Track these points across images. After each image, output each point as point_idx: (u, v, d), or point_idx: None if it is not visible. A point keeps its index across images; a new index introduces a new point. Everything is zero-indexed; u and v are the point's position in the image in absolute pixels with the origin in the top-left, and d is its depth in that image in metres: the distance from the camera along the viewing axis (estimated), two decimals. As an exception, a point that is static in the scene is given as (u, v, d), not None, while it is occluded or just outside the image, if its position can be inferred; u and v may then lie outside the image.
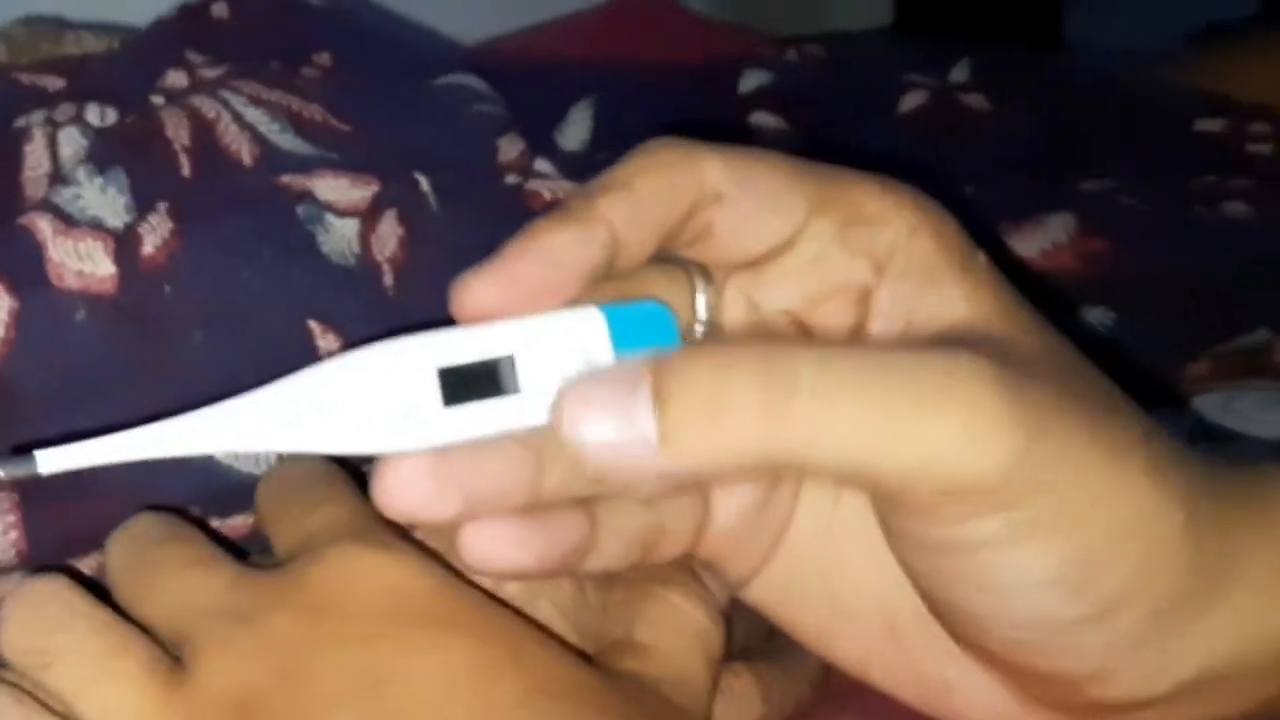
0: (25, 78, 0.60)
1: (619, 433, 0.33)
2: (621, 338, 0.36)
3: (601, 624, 0.39)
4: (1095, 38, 1.20)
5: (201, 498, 0.48)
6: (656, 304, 0.37)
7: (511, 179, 0.54)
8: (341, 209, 0.49)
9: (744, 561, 0.40)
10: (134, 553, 0.39)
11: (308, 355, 0.48)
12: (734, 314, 0.39)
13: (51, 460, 0.33)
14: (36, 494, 0.46)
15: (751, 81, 0.72)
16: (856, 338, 0.38)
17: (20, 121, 0.55)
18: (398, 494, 0.35)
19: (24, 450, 0.33)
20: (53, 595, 0.37)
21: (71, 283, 0.46)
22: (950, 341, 0.35)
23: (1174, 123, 0.73)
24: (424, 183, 0.51)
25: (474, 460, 0.35)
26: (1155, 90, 0.79)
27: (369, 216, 0.50)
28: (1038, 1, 1.26)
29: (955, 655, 0.39)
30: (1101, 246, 0.60)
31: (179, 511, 0.42)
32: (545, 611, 0.38)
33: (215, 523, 0.48)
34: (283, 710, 0.34)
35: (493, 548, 0.36)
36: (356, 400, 0.34)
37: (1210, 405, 0.56)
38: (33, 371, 0.46)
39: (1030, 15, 1.24)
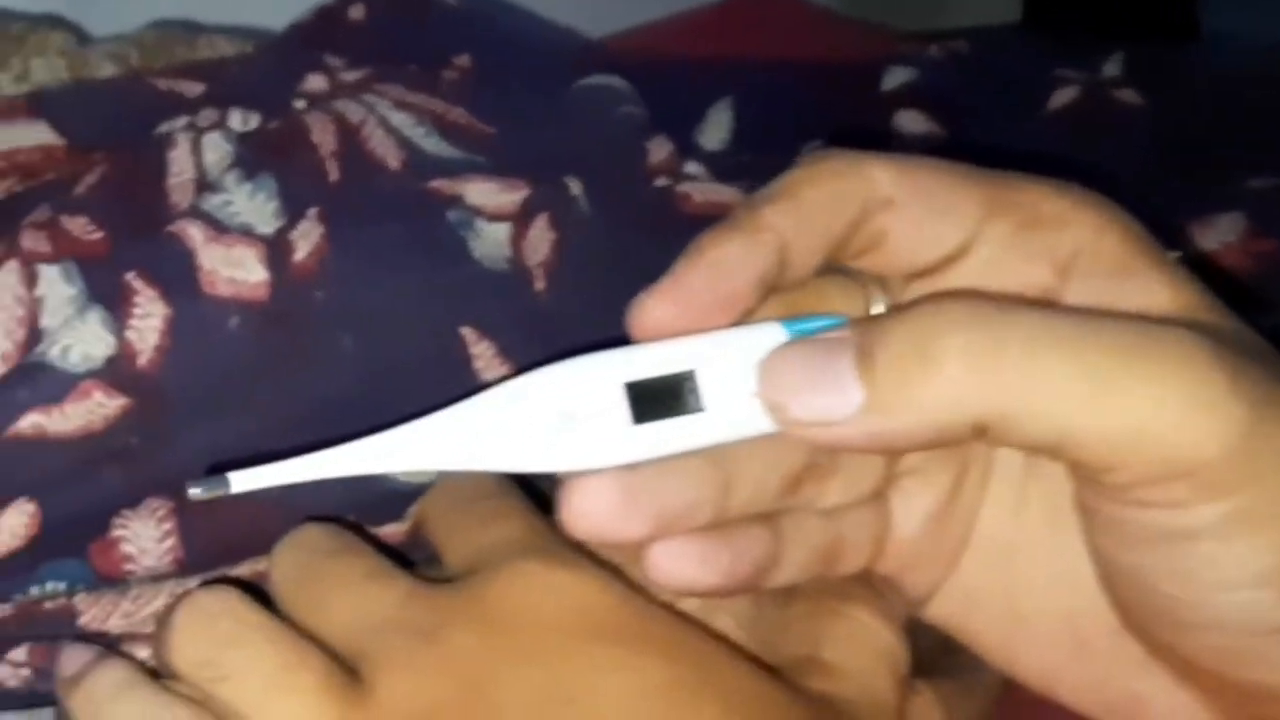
0: (162, 83, 0.61)
1: (823, 392, 0.33)
2: None
3: (781, 640, 0.39)
4: (1230, 28, 1.18)
5: (355, 507, 0.48)
6: (836, 317, 0.36)
7: (661, 181, 0.54)
8: (492, 213, 0.50)
9: (925, 574, 0.40)
10: (304, 564, 0.39)
11: (460, 362, 0.48)
12: None
13: (244, 480, 0.34)
14: (192, 503, 0.47)
15: (895, 79, 0.71)
16: None
17: (162, 128, 0.55)
18: (587, 514, 0.35)
19: (217, 471, 0.34)
20: (224, 608, 0.37)
21: (224, 290, 0.47)
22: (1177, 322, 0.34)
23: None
24: (574, 186, 0.51)
25: (661, 479, 0.35)
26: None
27: (520, 221, 0.50)
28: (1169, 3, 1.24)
29: (1148, 668, 0.39)
30: (1272, 246, 0.59)
31: (343, 521, 0.42)
32: (722, 624, 0.38)
33: (369, 531, 0.49)
34: None
35: (680, 566, 0.36)
36: (547, 418, 0.34)
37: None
38: (187, 378, 0.46)
39: (1165, 7, 1.22)
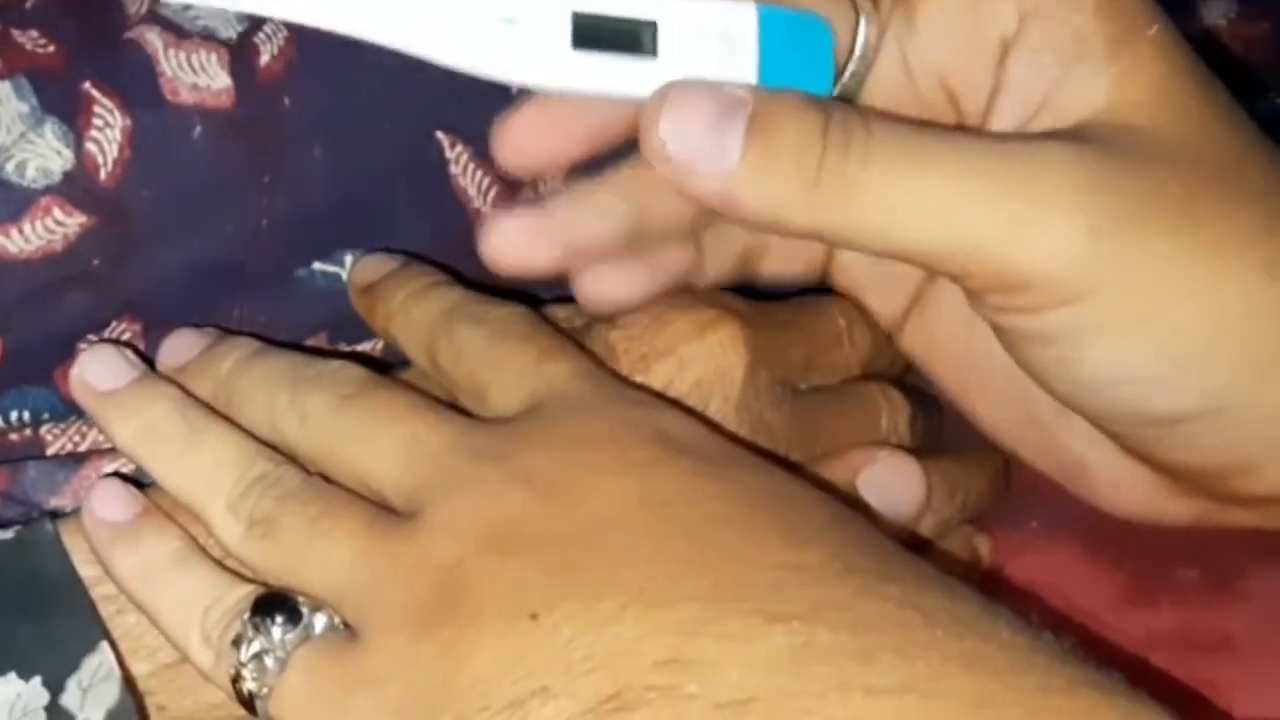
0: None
1: (707, 138, 0.34)
2: (771, 40, 0.36)
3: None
4: None
5: (327, 321, 0.47)
6: (817, 17, 0.37)
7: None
8: (466, 12, 0.48)
9: (885, 303, 0.41)
10: (343, 398, 0.38)
11: (436, 167, 0.47)
12: (886, 71, 0.39)
13: None
14: (160, 325, 0.45)
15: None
16: (991, 115, 0.38)
17: (111, -61, 0.53)
18: (503, 250, 0.38)
19: None
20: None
21: (186, 97, 0.45)
22: (1060, 135, 0.35)
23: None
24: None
25: (575, 215, 0.37)
26: None
27: (494, 21, 0.48)
28: None
29: (1096, 440, 0.39)
30: (1262, 30, 0.58)
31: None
32: (716, 407, 0.38)
33: (343, 349, 0.48)
34: (549, 534, 0.32)
35: (603, 289, 0.39)
36: (487, 16, 0.35)
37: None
38: (150, 192, 0.45)
39: None
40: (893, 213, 0.34)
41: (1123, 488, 0.40)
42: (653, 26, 0.35)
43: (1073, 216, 0.34)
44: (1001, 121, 0.37)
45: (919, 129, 0.35)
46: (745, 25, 0.36)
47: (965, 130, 0.37)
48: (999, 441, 0.42)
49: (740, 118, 0.34)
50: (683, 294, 0.40)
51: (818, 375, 0.42)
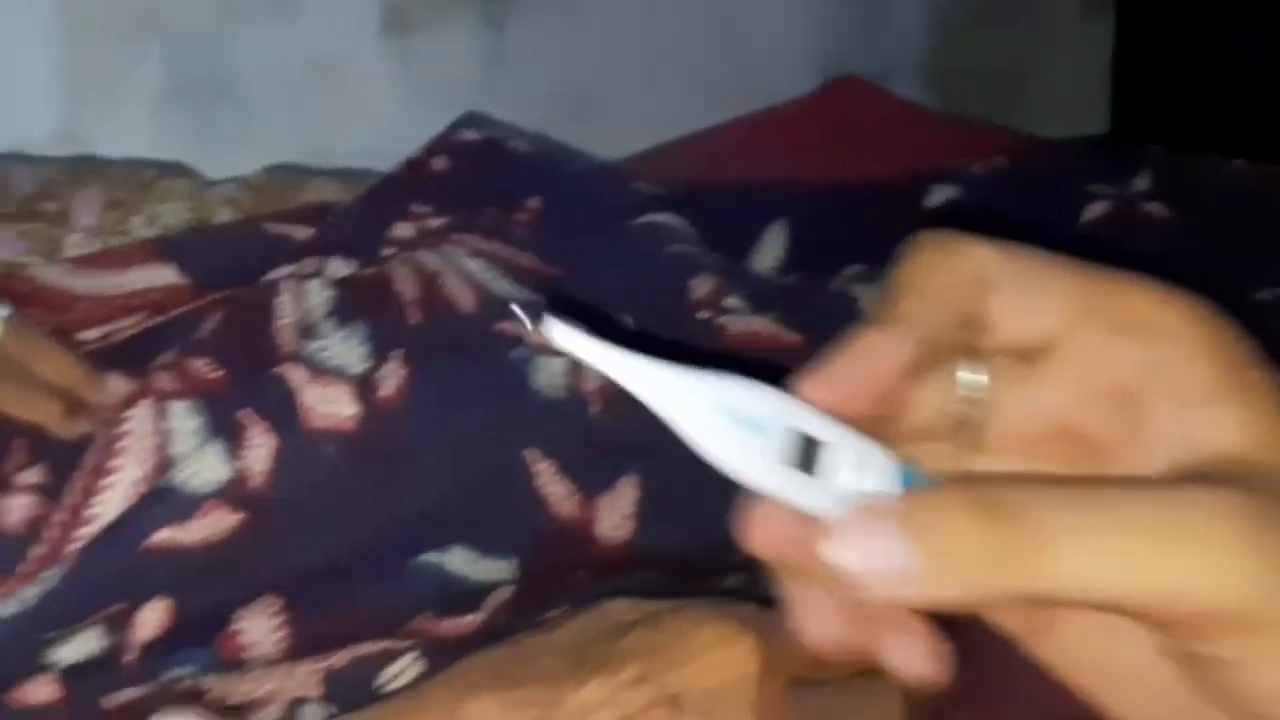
0: (272, 228, 0.70)
1: (876, 561, 0.35)
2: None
3: None
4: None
5: (435, 601, 0.56)
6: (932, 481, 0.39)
7: (703, 315, 0.62)
8: (554, 349, 0.57)
9: (1023, 626, 0.41)
10: None
11: (524, 479, 0.56)
12: (1011, 422, 0.40)
13: (562, 336, 0.36)
14: (298, 600, 0.55)
15: (938, 197, 0.78)
16: (1126, 453, 0.39)
17: (271, 275, 0.64)
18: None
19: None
20: None
21: (320, 423, 0.56)
22: (1209, 475, 0.37)
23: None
24: (627, 322, 0.59)
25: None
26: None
27: (578, 355, 0.58)
28: (1260, 114, 1.26)
29: None
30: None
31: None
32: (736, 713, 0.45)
33: (448, 623, 0.56)
34: None
35: None
36: (721, 412, 0.38)
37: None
38: (290, 496, 0.56)
39: (1252, 129, 1.24)
40: (1084, 573, 0.36)
41: None
42: (831, 446, 0.36)
43: (1249, 557, 0.36)
44: (1135, 459, 0.39)
45: (1077, 489, 0.37)
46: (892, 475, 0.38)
47: (1112, 481, 0.38)
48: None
49: (892, 525, 0.35)
50: (700, 607, 0.47)
51: (829, 671, 0.48)
